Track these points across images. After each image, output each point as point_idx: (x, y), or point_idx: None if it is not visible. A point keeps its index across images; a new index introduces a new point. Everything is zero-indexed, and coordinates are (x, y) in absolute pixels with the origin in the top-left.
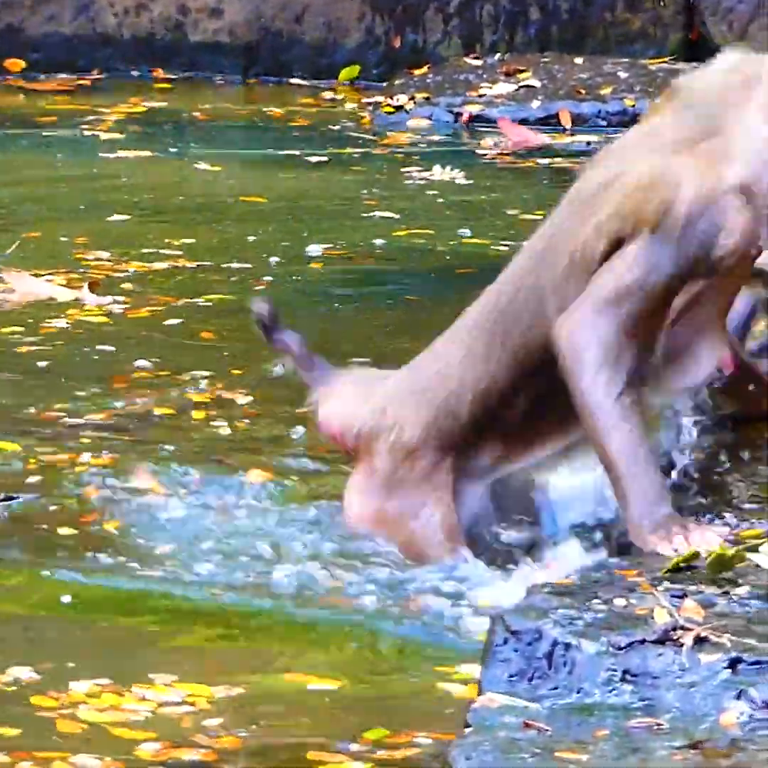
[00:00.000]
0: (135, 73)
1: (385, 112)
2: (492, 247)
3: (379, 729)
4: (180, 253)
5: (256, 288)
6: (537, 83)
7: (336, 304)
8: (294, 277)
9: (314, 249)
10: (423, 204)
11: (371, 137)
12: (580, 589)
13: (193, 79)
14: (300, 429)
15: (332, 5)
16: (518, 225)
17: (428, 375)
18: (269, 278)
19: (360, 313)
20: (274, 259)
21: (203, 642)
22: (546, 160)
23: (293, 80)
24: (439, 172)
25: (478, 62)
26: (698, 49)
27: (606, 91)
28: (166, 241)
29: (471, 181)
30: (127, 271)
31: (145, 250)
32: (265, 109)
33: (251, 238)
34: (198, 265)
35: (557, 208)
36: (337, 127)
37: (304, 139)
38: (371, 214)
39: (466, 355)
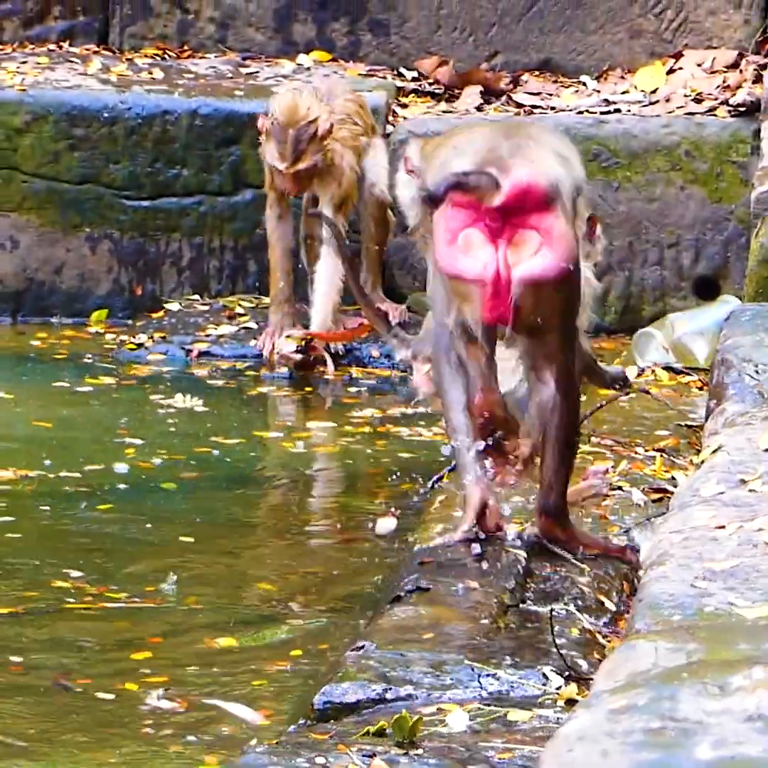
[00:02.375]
0: None
1: (129, 349)
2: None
3: None
4: None
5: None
6: (254, 325)
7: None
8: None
9: (121, 467)
10: (171, 426)
11: (119, 371)
12: (287, 749)
13: None
14: None
15: (85, 259)
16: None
17: None
18: (84, 489)
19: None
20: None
21: None
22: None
23: (53, 321)
24: (181, 400)
25: (206, 308)
26: (390, 295)
27: None
28: None
29: (207, 408)
30: None
31: None
32: (32, 346)
33: (48, 462)
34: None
35: None
36: (90, 361)
37: (68, 372)
38: (122, 440)
39: None
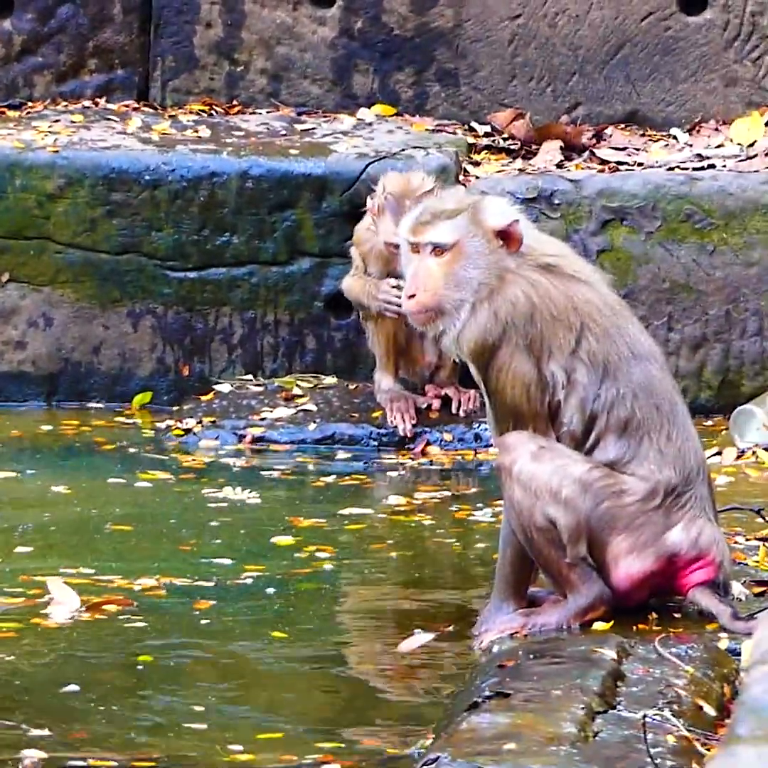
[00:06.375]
0: None
1: (175, 435)
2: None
3: None
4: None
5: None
6: (313, 407)
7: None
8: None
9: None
10: (222, 524)
11: (167, 459)
12: None
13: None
14: None
15: (126, 337)
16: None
17: None
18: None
19: None
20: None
21: None
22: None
23: (91, 405)
24: (231, 493)
25: (260, 388)
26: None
27: (378, 413)
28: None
29: (259, 500)
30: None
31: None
32: (71, 434)
33: (153, 565)
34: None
35: None
36: (135, 451)
37: (119, 465)
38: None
39: None
